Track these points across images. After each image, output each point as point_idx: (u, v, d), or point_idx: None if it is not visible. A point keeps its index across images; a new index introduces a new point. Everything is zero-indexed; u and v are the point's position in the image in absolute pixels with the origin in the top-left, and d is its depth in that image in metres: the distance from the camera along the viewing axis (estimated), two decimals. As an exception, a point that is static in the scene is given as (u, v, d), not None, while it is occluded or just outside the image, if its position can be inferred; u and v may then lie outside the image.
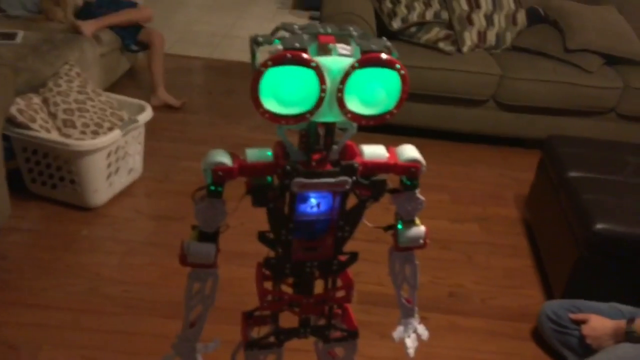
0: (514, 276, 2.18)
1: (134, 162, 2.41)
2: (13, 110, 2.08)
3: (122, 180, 2.35)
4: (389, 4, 3.10)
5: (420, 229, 1.02)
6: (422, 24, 3.04)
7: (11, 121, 2.07)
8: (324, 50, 0.82)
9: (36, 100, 2.21)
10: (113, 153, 2.22)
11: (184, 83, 3.50)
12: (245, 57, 3.93)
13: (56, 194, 2.23)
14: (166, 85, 3.16)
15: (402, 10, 3.05)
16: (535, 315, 1.87)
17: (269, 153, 0.92)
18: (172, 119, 3.03)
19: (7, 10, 2.95)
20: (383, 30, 3.03)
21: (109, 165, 2.22)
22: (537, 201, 2.41)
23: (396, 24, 3.04)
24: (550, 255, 2.13)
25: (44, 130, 2.13)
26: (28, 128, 2.10)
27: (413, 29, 3.05)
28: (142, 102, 2.44)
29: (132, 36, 3.11)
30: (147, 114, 2.38)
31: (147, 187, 2.45)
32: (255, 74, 0.78)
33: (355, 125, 0.87)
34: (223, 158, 0.89)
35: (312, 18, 4.99)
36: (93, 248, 2.06)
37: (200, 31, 4.47)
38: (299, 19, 4.99)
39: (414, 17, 3.04)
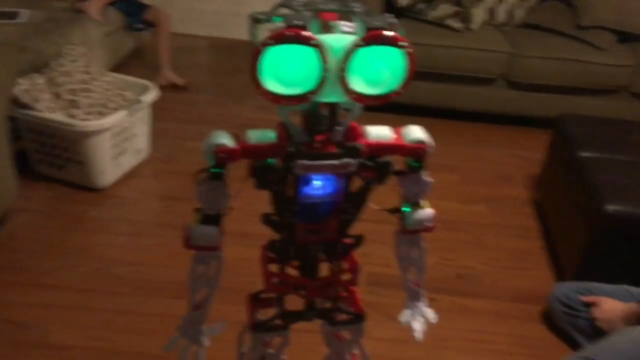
0: (523, 258, 2.16)
1: (141, 142, 2.40)
2: (17, 90, 2.07)
3: (129, 161, 2.34)
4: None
5: (427, 211, 1.00)
6: (430, 1, 2.98)
7: (16, 102, 2.07)
8: (326, 28, 0.79)
9: (40, 80, 2.20)
10: (119, 134, 2.21)
11: (189, 62, 3.47)
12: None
13: (63, 174, 2.23)
14: (172, 65, 3.14)
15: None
16: (545, 298, 1.85)
17: (272, 135, 0.90)
18: (177, 99, 3.01)
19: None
20: (390, 7, 2.98)
21: (115, 146, 2.21)
22: (547, 182, 2.38)
23: (404, 1, 2.98)
24: (561, 237, 2.11)
25: (49, 111, 2.12)
26: (33, 109, 2.10)
27: (421, 6, 2.99)
28: (148, 82, 2.43)
29: (137, 15, 3.08)
30: (153, 94, 2.36)
31: (153, 168, 2.44)
32: (254, 53, 0.76)
33: (359, 105, 0.84)
34: (225, 139, 0.87)
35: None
36: (101, 229, 2.06)
37: (205, 10, 4.41)
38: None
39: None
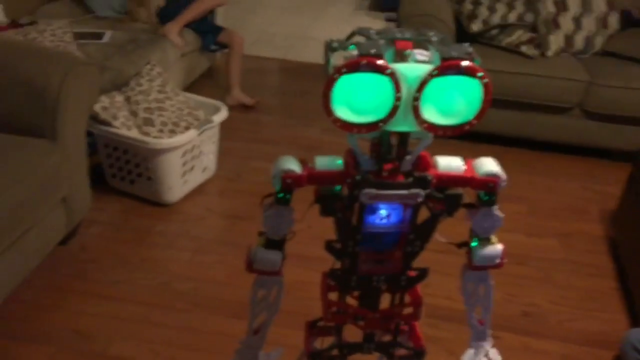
0: (595, 298, 2.04)
1: (208, 161, 2.46)
2: (97, 107, 2.17)
3: (196, 179, 2.41)
4: (469, 6, 2.99)
5: (496, 247, 0.95)
6: (504, 27, 2.91)
7: (95, 118, 2.17)
8: (401, 57, 0.78)
9: (119, 98, 2.30)
10: (188, 152, 2.28)
11: (258, 83, 3.55)
12: (320, 59, 3.93)
13: (134, 189, 2.32)
14: (241, 85, 3.22)
15: (483, 12, 2.94)
16: (618, 343, 1.72)
17: (339, 162, 0.89)
18: (245, 118, 3.07)
19: (96, 11, 3.10)
20: (462, 32, 2.93)
21: (184, 164, 2.28)
22: (624, 218, 2.24)
23: (476, 26, 2.93)
24: (638, 278, 1.97)
25: (125, 128, 2.22)
26: (110, 125, 2.19)
27: (494, 32, 2.93)
28: (218, 103, 2.49)
29: (212, 36, 3.19)
30: (223, 114, 2.42)
31: (219, 186, 2.49)
32: (328, 80, 0.75)
33: (430, 135, 0.82)
34: (292, 165, 0.87)
35: (388, 20, 4.92)
36: (166, 243, 2.12)
37: (276, 33, 4.53)
38: (375, 20, 4.94)
39: (495, 19, 2.92)
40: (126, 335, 1.69)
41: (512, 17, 2.93)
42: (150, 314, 1.77)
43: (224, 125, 2.46)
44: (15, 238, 1.59)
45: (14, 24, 2.67)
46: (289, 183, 0.86)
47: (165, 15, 3.06)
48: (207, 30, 3.19)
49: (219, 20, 3.42)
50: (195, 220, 2.27)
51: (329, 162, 0.88)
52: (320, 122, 3.03)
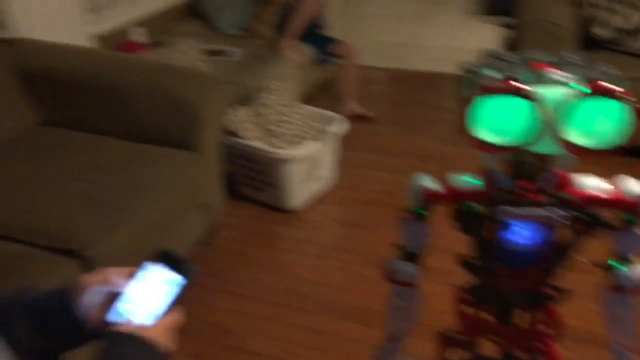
0: None
1: (328, 170, 2.57)
2: (228, 120, 2.36)
3: (316, 187, 2.53)
4: (593, 10, 2.87)
5: (638, 268, 0.95)
6: (636, 33, 2.76)
7: (225, 130, 2.36)
8: (541, 79, 0.80)
9: (245, 111, 2.48)
10: (310, 162, 2.40)
11: (370, 93, 3.62)
12: (431, 67, 3.94)
13: (261, 196, 2.49)
14: (356, 96, 3.30)
15: (610, 16, 2.80)
16: None
17: (478, 180, 0.93)
18: (360, 129, 3.15)
19: (223, 29, 3.34)
20: (585, 38, 2.81)
21: (306, 173, 2.41)
22: None
23: (602, 32, 2.80)
24: None
25: (252, 139, 2.39)
26: (239, 136, 2.37)
27: (622, 37, 2.78)
28: (336, 114, 2.60)
29: (325, 48, 3.31)
30: (342, 126, 2.52)
31: (338, 195, 2.59)
32: (466, 103, 0.79)
33: (572, 155, 0.84)
34: (431, 183, 0.93)
35: (505, 25, 4.79)
36: (290, 248, 2.25)
37: (386, 41, 4.57)
38: (488, 26, 4.83)
39: (623, 23, 2.77)
40: (260, 332, 1.83)
41: (636, 19, 2.77)
42: (281, 314, 1.90)
43: (340, 135, 2.56)
44: (165, 240, 1.79)
45: (154, 44, 2.96)
46: (430, 200, 0.92)
47: (280, 31, 3.22)
48: (320, 42, 3.31)
49: (332, 31, 3.54)
50: (316, 227, 2.39)
51: (468, 180, 0.92)
52: (434, 131, 3.05)
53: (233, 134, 2.38)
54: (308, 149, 2.35)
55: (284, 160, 2.31)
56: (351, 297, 1.95)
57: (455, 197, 0.92)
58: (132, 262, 0.75)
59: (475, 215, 0.91)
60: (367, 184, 2.63)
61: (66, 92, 2.04)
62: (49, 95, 2.05)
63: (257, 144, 2.38)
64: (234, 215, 2.39)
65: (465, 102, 0.80)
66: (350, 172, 2.72)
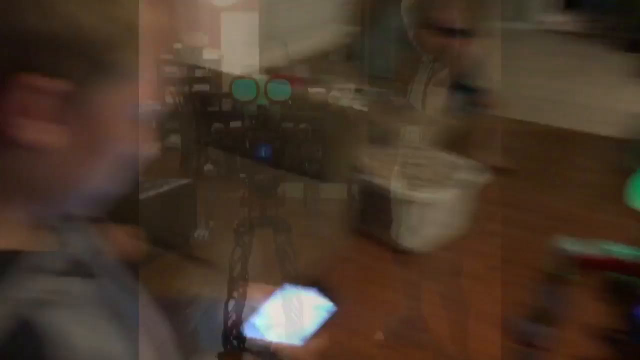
0: None
1: (458, 219, 2.52)
2: (362, 157, 2.42)
3: (444, 234, 2.49)
4: None
5: None
6: None
7: (357, 168, 2.42)
8: None
9: (382, 151, 2.53)
10: (442, 208, 2.38)
11: (515, 147, 3.50)
12: (583, 127, 3.72)
13: (384, 234, 2.49)
14: (498, 148, 3.22)
15: None
16: None
17: (634, 251, 0.87)
18: (498, 181, 3.05)
19: (374, 71, 3.44)
20: None
21: (435, 218, 2.38)
22: None
23: None
24: None
25: (383, 178, 2.42)
26: (370, 174, 2.42)
27: None
28: (475, 163, 2.55)
29: (472, 98, 3.27)
30: (481, 176, 2.47)
31: (463, 245, 2.51)
32: (629, 171, 0.76)
33: None
34: (581, 247, 0.89)
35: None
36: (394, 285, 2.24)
37: (539, 96, 4.41)
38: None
39: None
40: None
41: None
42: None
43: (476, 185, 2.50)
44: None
45: (313, 81, 3.14)
46: (581, 265, 0.88)
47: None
48: (466, 91, 3.27)
49: (482, 81, 3.48)
50: (435, 273, 2.33)
51: (627, 251, 0.87)
52: (577, 193, 2.87)
53: (364, 171, 2.43)
54: (442, 194, 2.33)
55: (416, 203, 2.31)
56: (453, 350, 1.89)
57: (611, 266, 0.87)
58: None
59: (627, 286, 0.85)
60: (495, 238, 2.53)
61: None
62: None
63: (385, 182, 2.40)
64: (353, 248, 2.42)
65: (628, 171, 0.77)
66: (480, 223, 2.64)
